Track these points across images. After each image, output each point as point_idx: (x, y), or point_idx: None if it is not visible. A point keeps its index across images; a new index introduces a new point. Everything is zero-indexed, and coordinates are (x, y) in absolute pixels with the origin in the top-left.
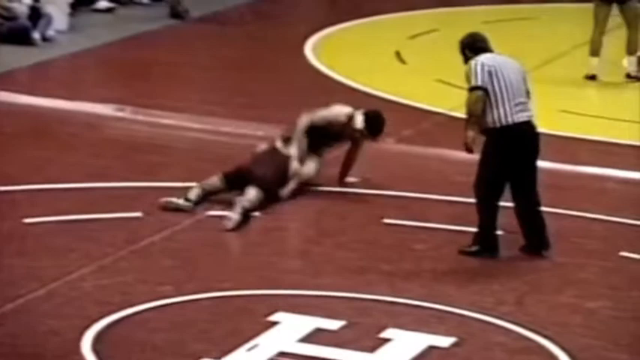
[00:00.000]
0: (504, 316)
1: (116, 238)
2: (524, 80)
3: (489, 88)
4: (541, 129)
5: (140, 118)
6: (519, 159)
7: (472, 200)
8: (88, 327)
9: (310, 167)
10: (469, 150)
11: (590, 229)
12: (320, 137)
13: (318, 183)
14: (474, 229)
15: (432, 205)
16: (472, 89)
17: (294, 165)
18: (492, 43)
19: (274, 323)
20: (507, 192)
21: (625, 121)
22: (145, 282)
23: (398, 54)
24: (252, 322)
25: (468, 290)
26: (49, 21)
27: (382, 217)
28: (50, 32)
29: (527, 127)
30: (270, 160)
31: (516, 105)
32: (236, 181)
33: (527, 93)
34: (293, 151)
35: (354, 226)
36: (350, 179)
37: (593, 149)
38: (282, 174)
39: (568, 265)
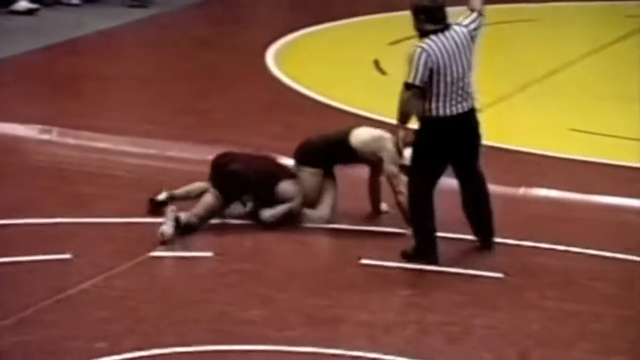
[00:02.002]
0: None
1: (39, 285)
2: (469, 60)
3: (427, 86)
4: (547, 151)
5: (69, 141)
6: (455, 150)
7: (469, 237)
8: None
9: (325, 207)
10: (406, 145)
11: (605, 271)
12: (335, 161)
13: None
14: (470, 272)
15: None
16: (407, 87)
17: (294, 194)
18: (489, 49)
19: None
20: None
21: None
22: (75, 338)
23: (377, 63)
24: None
25: (461, 345)
26: None
27: (360, 257)
28: None
29: (462, 119)
30: (263, 160)
31: (453, 97)
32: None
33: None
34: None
35: (327, 267)
36: (384, 207)
37: (608, 175)
38: (270, 181)
39: (580, 314)
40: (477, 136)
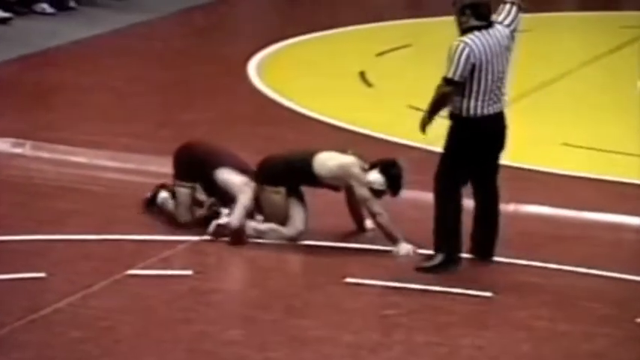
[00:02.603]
0: None
1: (12, 304)
2: (508, 60)
3: (467, 82)
4: (539, 166)
5: (44, 155)
6: (483, 152)
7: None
8: None
9: (292, 227)
10: (423, 129)
11: (598, 290)
12: (298, 183)
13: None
14: (458, 290)
15: (405, 261)
16: (447, 82)
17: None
18: None
19: None
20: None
21: None
22: (51, 359)
23: (363, 75)
24: None
25: None
26: None
27: (344, 276)
28: None
29: (496, 120)
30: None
31: (490, 97)
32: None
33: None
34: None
35: (310, 286)
36: (368, 225)
37: (602, 191)
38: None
39: (574, 334)
40: (504, 139)
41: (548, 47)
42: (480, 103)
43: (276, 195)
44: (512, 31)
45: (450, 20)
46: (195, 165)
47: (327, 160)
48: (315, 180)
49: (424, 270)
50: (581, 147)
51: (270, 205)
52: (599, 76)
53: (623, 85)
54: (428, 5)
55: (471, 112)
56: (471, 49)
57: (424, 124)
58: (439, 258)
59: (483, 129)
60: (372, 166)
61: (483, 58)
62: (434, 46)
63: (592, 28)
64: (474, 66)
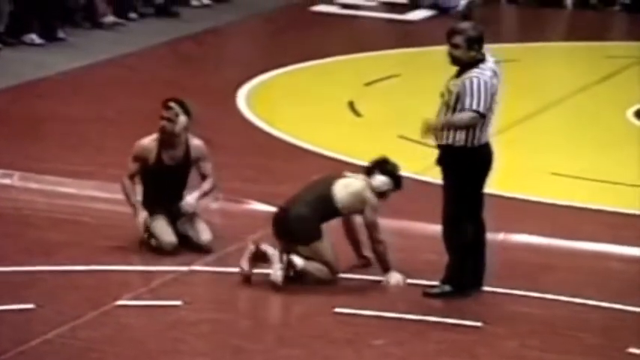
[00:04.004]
0: None
1: (1, 336)
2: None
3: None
4: (528, 195)
5: (32, 186)
6: (485, 179)
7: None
8: None
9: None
10: (425, 133)
11: (588, 320)
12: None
13: None
14: (448, 320)
15: (395, 291)
16: (480, 115)
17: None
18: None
19: None
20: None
21: (632, 185)
22: None
23: (351, 104)
24: None
25: None
26: None
27: (334, 306)
28: None
29: (489, 147)
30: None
31: (489, 125)
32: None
33: None
34: None
35: (300, 316)
36: (367, 253)
37: (590, 220)
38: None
39: None
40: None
41: (535, 77)
42: (483, 132)
43: (319, 244)
44: (496, 60)
45: (438, 50)
46: None
47: (345, 192)
48: (338, 213)
49: (431, 296)
50: (569, 176)
51: (325, 256)
52: (586, 106)
53: (611, 115)
54: (415, 35)
55: (475, 141)
56: (491, 83)
57: (431, 130)
58: (447, 287)
59: (485, 156)
60: (368, 173)
61: (497, 85)
62: (422, 76)
63: (578, 57)
64: (492, 96)
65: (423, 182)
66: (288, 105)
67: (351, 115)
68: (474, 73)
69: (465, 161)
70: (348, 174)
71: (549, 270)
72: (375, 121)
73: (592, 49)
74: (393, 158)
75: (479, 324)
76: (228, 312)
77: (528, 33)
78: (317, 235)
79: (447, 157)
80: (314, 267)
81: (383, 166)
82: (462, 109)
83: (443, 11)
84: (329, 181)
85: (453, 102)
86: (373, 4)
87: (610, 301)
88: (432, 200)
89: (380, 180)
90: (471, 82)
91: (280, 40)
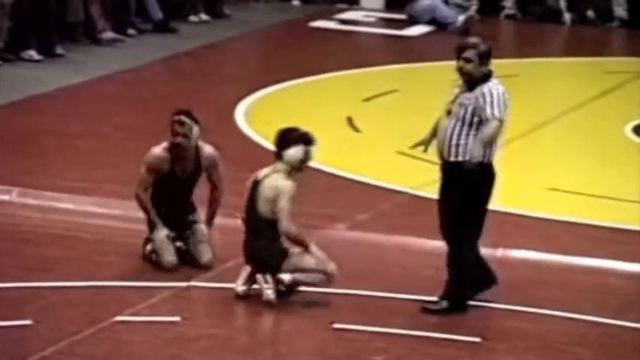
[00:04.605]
0: None
1: None
2: None
3: None
4: (525, 210)
5: (30, 201)
6: (490, 197)
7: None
8: None
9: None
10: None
11: (585, 335)
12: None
13: None
14: (446, 336)
15: (393, 306)
16: (498, 121)
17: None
18: None
19: None
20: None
21: (630, 201)
22: None
23: (350, 120)
24: None
25: None
26: None
27: (332, 322)
28: None
29: (493, 166)
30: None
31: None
32: None
33: None
34: None
35: (298, 332)
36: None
37: (587, 236)
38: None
39: None
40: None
41: (533, 93)
42: (495, 149)
43: (293, 260)
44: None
45: (437, 66)
46: None
47: (262, 200)
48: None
49: (430, 311)
50: (567, 192)
51: (297, 267)
52: (585, 122)
53: (610, 131)
54: (414, 51)
55: (491, 157)
56: (505, 91)
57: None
58: (445, 303)
59: (494, 172)
60: (278, 156)
61: (508, 102)
62: (421, 91)
63: (577, 73)
64: (506, 109)
65: (421, 198)
66: (287, 120)
67: (350, 130)
68: (489, 85)
69: (479, 178)
70: (264, 170)
71: (547, 285)
72: (374, 137)
73: (590, 64)
74: (391, 174)
75: (477, 339)
76: (226, 328)
77: (527, 48)
78: (283, 255)
79: (459, 175)
80: (302, 275)
81: (286, 140)
82: (483, 120)
83: (441, 27)
84: (255, 198)
85: (470, 116)
86: (372, 19)
87: (608, 317)
88: (430, 216)
89: (289, 154)
90: (490, 93)
91: (279, 56)
